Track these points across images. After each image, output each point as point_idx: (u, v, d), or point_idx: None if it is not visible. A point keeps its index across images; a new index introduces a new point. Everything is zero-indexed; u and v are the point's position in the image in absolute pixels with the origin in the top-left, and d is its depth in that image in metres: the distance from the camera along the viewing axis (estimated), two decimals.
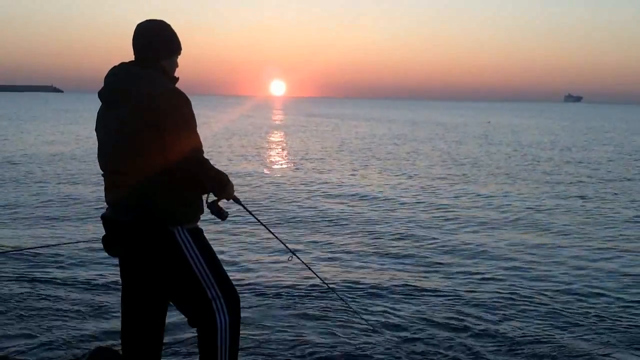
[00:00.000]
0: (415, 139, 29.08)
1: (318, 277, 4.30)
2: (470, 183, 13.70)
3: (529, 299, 5.64)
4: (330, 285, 4.54)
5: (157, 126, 2.73)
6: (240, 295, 3.15)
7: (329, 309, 5.23)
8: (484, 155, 20.74)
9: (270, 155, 20.07)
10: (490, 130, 38.17)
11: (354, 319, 4.93)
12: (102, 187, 3.05)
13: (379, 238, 8.15)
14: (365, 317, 4.96)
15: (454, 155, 20.61)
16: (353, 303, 5.31)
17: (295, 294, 5.64)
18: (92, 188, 11.75)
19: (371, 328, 4.79)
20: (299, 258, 3.86)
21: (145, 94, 2.76)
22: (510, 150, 22.99)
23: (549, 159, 19.44)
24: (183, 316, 3.07)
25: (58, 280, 5.90)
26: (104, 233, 3.01)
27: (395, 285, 5.96)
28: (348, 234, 8.41)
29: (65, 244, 7.13)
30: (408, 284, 6.04)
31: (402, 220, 9.32)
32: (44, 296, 5.43)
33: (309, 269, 4.21)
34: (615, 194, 12.39)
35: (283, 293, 5.68)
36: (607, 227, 9.04)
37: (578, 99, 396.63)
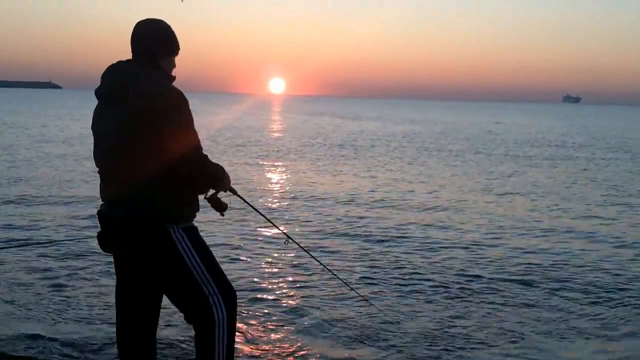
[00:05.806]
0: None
1: (313, 258, 4.50)
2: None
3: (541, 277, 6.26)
4: (327, 266, 4.77)
5: (156, 126, 2.76)
6: (237, 283, 3.20)
7: (324, 287, 5.72)
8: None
9: (263, 152, 20.02)
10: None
11: (350, 293, 5.25)
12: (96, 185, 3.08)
13: (369, 228, 8.52)
14: (360, 291, 5.33)
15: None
16: (348, 280, 5.69)
17: (292, 275, 6.16)
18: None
19: (368, 302, 5.18)
20: (294, 241, 3.95)
21: (144, 93, 2.78)
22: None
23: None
24: (179, 312, 3.10)
25: (65, 275, 5.95)
26: (100, 229, 3.02)
27: (392, 267, 6.58)
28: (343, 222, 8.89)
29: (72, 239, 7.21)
30: (403, 266, 6.66)
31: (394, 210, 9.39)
32: (50, 291, 5.48)
33: (304, 250, 4.38)
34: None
35: (281, 275, 6.13)
36: None
37: (577, 99, 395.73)
